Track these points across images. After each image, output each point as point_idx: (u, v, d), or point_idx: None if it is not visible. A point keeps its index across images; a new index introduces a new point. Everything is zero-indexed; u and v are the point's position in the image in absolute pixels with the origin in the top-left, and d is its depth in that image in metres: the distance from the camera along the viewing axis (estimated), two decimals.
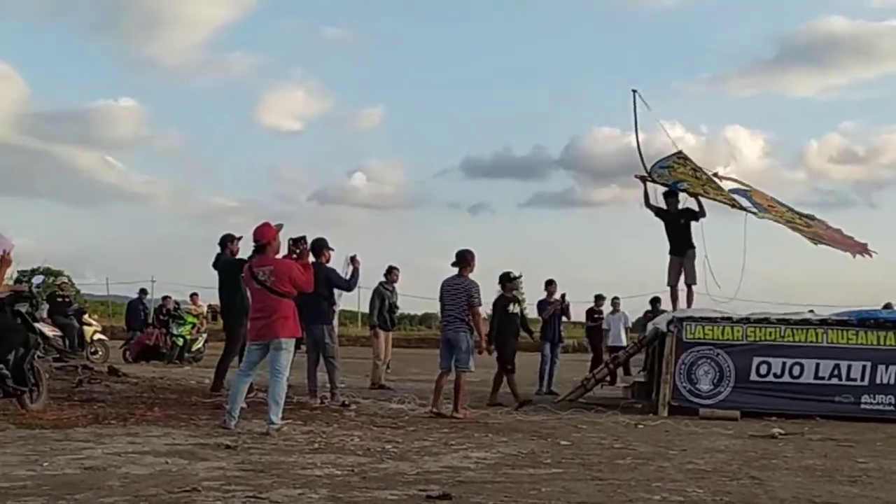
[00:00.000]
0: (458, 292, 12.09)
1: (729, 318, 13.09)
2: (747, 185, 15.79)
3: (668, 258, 14.77)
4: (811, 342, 12.88)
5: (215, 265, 12.95)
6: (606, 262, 65.73)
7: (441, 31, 79.51)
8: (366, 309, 36.46)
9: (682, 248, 14.69)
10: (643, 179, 15.07)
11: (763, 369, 12.85)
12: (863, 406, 12.68)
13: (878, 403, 12.70)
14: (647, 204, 15.03)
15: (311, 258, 11.65)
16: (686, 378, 12.91)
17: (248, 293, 10.47)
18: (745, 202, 14.85)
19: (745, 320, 13.08)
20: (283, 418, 9.63)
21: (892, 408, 12.62)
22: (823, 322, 13.08)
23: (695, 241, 14.66)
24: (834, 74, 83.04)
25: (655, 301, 19.68)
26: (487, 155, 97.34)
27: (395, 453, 8.37)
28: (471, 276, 12.17)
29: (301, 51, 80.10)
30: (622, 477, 7.38)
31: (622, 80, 75.70)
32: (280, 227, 10.06)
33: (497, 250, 64.82)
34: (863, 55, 73.59)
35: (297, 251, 10.42)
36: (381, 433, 9.83)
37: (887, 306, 15.89)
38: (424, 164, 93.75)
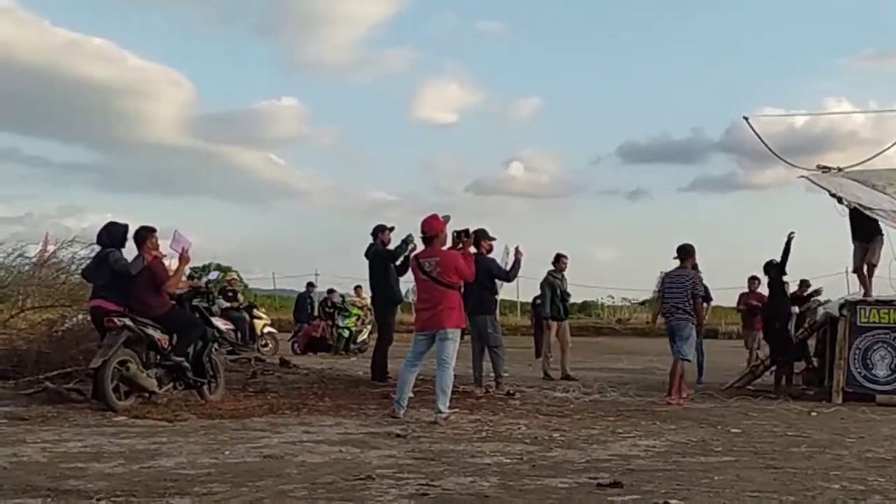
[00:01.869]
0: (683, 284, 12.55)
1: None
2: None
3: (847, 242, 13.95)
4: None
5: (367, 254, 13.31)
6: (774, 244, 63.77)
7: (593, 18, 78.64)
8: (526, 298, 36.90)
9: (869, 234, 13.60)
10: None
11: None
12: None
13: None
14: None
15: (473, 249, 11.79)
16: (861, 363, 12.47)
17: (413, 285, 10.66)
18: None
19: None
20: (450, 407, 9.75)
21: None
22: None
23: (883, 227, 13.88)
24: None
25: (804, 284, 18.92)
26: (644, 140, 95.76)
27: (563, 441, 8.37)
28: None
29: (455, 44, 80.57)
30: (798, 465, 7.19)
31: (784, 58, 73.57)
32: (447, 218, 10.20)
33: (658, 236, 64.09)
34: None
35: (462, 243, 10.54)
36: (548, 421, 9.83)
37: None
38: (580, 151, 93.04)
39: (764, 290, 15.28)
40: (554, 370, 16.02)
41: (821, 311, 14.74)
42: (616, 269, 65.60)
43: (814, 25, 73.42)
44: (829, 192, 13.11)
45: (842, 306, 12.94)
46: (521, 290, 40.21)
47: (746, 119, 14.72)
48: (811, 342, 15.30)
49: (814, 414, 11.08)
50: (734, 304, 19.53)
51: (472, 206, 72.57)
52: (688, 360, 12.73)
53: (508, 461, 7.18)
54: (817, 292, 16.06)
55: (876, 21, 71.95)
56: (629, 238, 70.40)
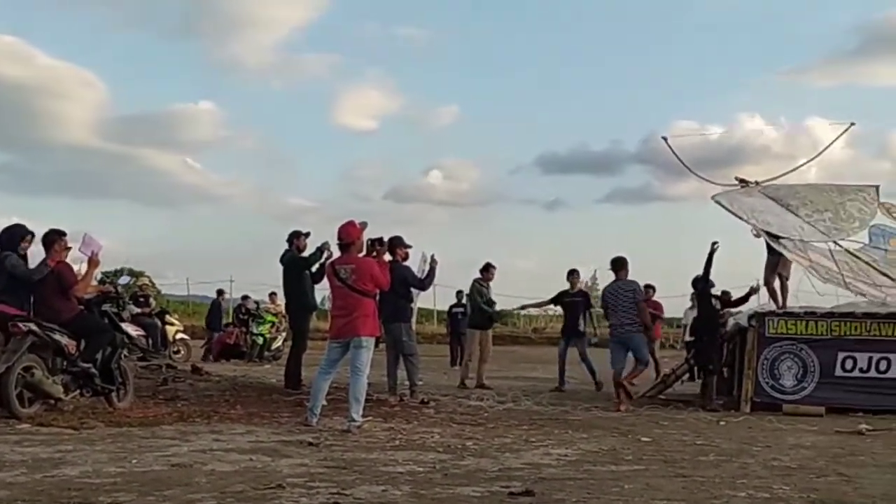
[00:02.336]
0: (626, 295, 13.10)
1: (813, 313, 12.83)
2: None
3: (755, 255, 14.15)
4: None
5: (281, 260, 13.22)
6: (689, 256, 64.91)
7: (514, 28, 79.41)
8: (442, 307, 36.90)
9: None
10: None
11: (848, 364, 12.58)
12: None
13: None
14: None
15: (388, 256, 11.78)
16: (769, 373, 12.72)
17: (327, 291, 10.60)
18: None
19: (830, 314, 12.81)
20: (363, 415, 9.70)
21: None
22: None
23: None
24: None
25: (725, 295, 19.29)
26: (563, 150, 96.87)
27: (476, 450, 8.37)
28: None
29: (376, 51, 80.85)
30: (706, 473, 7.29)
31: (699, 73, 75.02)
32: (364, 225, 10.16)
33: (575, 246, 64.77)
34: None
35: (376, 251, 10.51)
36: (461, 430, 9.84)
37: None
38: (500, 160, 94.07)
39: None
40: (469, 379, 16.07)
41: (731, 321, 14.99)
42: (533, 278, 66.10)
43: (729, 41, 75.30)
44: (739, 217, 13.26)
45: (751, 317, 13.19)
46: (438, 298, 40.25)
47: (665, 139, 14.85)
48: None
49: (722, 423, 11.25)
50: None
51: (391, 213, 72.83)
52: (645, 363, 13.44)
53: (421, 470, 7.16)
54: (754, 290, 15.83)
55: (789, 38, 73.91)
56: (547, 248, 71.17)
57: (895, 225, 14.12)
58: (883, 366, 12.52)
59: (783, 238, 12.97)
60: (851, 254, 13.16)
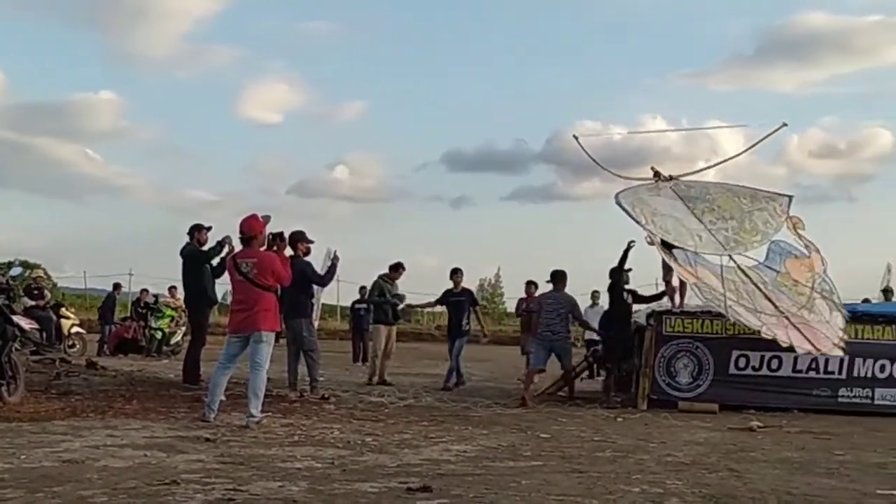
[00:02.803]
0: (558, 308, 13.60)
1: (708, 312, 13.10)
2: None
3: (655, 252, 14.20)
4: None
5: (181, 253, 13.03)
6: (591, 255, 65.81)
7: (422, 25, 79.45)
8: (346, 303, 36.77)
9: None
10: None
11: (742, 362, 12.90)
12: (840, 399, 12.76)
13: (854, 396, 12.80)
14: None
15: (289, 251, 11.69)
16: (665, 371, 12.96)
17: (229, 285, 10.46)
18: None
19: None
20: (262, 411, 9.59)
21: (868, 401, 12.72)
22: None
23: None
24: (814, 69, 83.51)
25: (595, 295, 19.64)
26: (469, 148, 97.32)
27: (375, 446, 8.35)
28: None
29: (282, 44, 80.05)
30: (602, 469, 7.39)
31: (603, 74, 76.07)
32: (267, 219, 10.05)
33: (480, 244, 65.13)
34: (842, 50, 74.18)
35: (277, 246, 10.42)
36: (361, 426, 9.81)
37: (865, 301, 15.98)
38: (406, 157, 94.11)
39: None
40: (374, 375, 15.98)
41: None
42: (437, 275, 66.37)
43: (632, 42, 76.46)
44: (636, 220, 13.13)
45: (649, 316, 13.43)
46: (342, 294, 40.15)
47: (576, 137, 14.88)
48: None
49: (620, 420, 11.43)
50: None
51: (296, 208, 72.28)
52: (569, 370, 14.04)
53: (319, 466, 7.11)
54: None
55: (689, 41, 75.40)
56: (451, 245, 71.39)
57: (795, 244, 13.95)
58: (774, 364, 12.87)
59: (676, 248, 12.93)
60: (743, 271, 13.18)
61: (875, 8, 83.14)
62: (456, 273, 16.37)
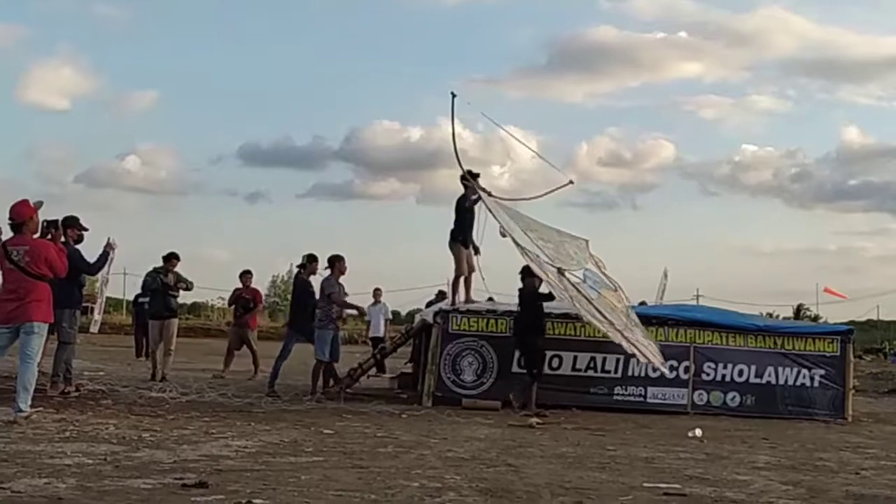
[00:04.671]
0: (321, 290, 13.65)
1: (493, 311, 13.40)
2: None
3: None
4: (570, 335, 13.37)
5: None
6: (385, 254, 66.29)
7: (219, 15, 77.76)
8: (131, 296, 35.63)
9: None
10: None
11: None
12: (615, 397, 13.29)
13: (629, 395, 13.36)
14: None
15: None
16: (451, 369, 13.16)
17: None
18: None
19: (509, 313, 13.41)
20: (33, 406, 9.16)
21: (641, 399, 13.30)
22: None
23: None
24: (602, 81, 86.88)
25: (441, 295, 19.93)
26: (266, 143, 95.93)
27: (152, 442, 8.13)
28: None
29: (69, 26, 76.45)
30: (383, 465, 7.43)
31: (402, 74, 76.68)
32: (39, 204, 9.57)
33: (274, 240, 64.38)
34: (629, 64, 77.44)
35: (51, 234, 9.96)
36: (139, 422, 9.52)
37: (642, 304, 16.66)
38: (201, 149, 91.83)
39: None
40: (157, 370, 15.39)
41: (418, 317, 15.38)
42: (229, 270, 65.16)
43: (430, 44, 77.27)
44: (493, 215, 13.19)
45: (436, 314, 13.60)
46: (128, 287, 38.93)
47: (454, 95, 13.94)
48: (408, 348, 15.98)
49: (404, 416, 11.52)
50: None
51: (83, 197, 69.33)
52: (324, 361, 13.59)
53: (90, 462, 6.85)
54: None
55: (485, 47, 77.01)
56: (244, 240, 70.27)
57: (605, 278, 14.39)
58: (555, 363, 13.28)
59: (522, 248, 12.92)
60: (573, 286, 13.45)
61: (659, 25, 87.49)
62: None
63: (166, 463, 7.01)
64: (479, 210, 13.56)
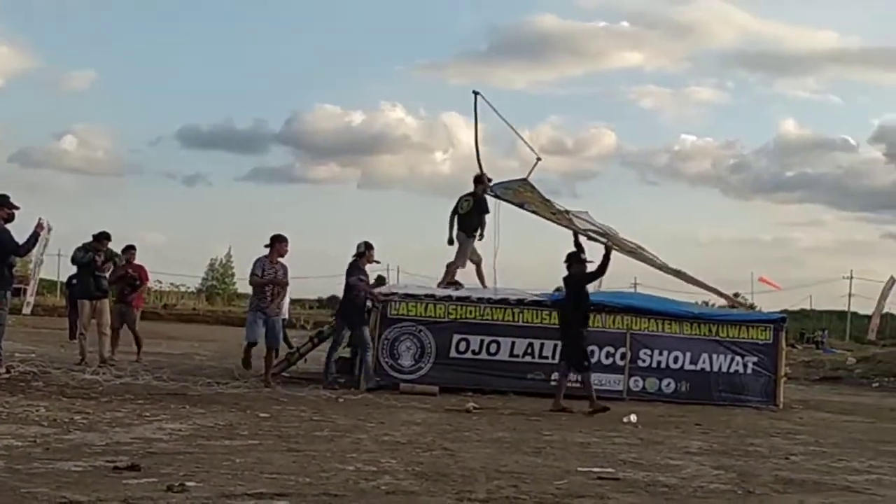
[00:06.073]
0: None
1: (432, 296, 13.42)
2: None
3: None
4: (508, 321, 13.45)
5: None
6: (324, 238, 66.04)
7: None
8: (64, 278, 35.03)
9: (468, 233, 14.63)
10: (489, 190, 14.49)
11: (462, 346, 13.30)
12: (552, 383, 13.33)
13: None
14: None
15: None
16: (388, 354, 13.16)
17: None
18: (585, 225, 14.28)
19: (448, 298, 13.46)
20: None
21: (577, 384, 13.37)
22: (520, 302, 13.66)
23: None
24: (545, 69, 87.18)
25: (381, 280, 19.88)
26: (206, 126, 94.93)
27: (84, 424, 8.02)
28: None
29: (6, 3, 74.71)
30: (318, 448, 7.40)
31: (344, 59, 76.23)
32: None
33: (213, 223, 63.74)
34: (572, 53, 77.73)
35: None
36: (71, 404, 9.39)
37: (557, 290, 16.57)
38: (139, 131, 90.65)
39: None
40: (90, 352, 14.99)
41: None
42: (166, 253, 64.55)
43: (373, 28, 76.90)
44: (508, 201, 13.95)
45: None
46: (62, 269, 38.32)
47: (477, 93, 14.53)
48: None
49: (341, 400, 11.51)
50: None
51: (17, 177, 68.12)
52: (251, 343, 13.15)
53: (20, 444, 6.74)
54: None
55: (427, 33, 76.84)
56: (182, 223, 69.57)
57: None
58: (493, 348, 13.36)
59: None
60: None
61: (601, 14, 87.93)
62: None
63: (98, 445, 6.92)
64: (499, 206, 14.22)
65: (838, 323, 54.43)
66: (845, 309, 55.92)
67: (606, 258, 12.10)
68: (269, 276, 12.95)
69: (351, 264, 13.42)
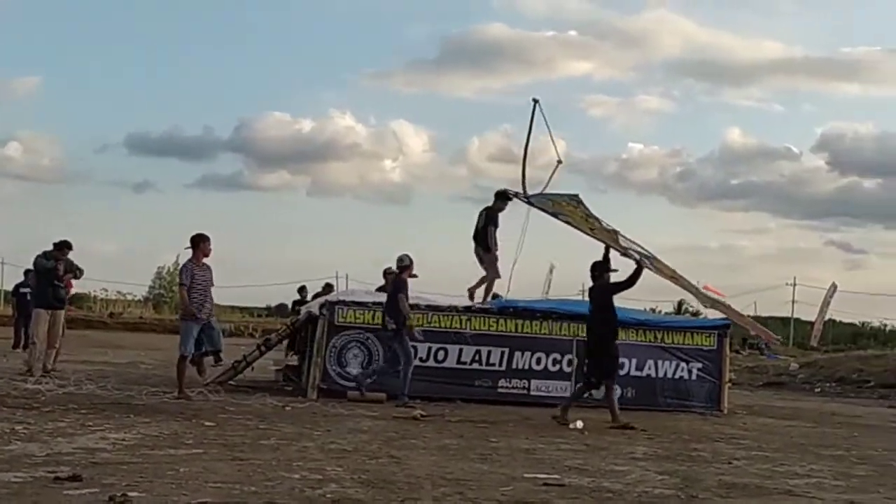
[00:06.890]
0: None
1: (379, 304, 13.40)
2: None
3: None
4: (455, 328, 13.47)
5: None
6: (273, 246, 65.62)
7: (107, 1, 75.72)
8: (9, 286, 34.52)
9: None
10: (517, 196, 14.05)
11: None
12: (499, 390, 13.44)
13: (513, 387, 13.52)
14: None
15: None
16: (336, 361, 13.12)
17: None
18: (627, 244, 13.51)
19: None
20: None
21: (525, 391, 13.48)
22: (468, 309, 13.70)
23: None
24: (492, 78, 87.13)
25: (328, 287, 19.85)
26: (154, 132, 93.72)
27: (25, 434, 7.93)
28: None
29: None
30: (264, 457, 7.37)
31: (294, 66, 75.79)
32: None
33: (161, 231, 63.01)
34: (520, 61, 77.77)
35: None
36: (12, 414, 9.26)
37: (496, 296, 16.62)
38: (85, 138, 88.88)
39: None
40: (37, 363, 14.66)
41: (303, 310, 15.28)
42: (113, 262, 63.53)
43: (322, 36, 76.39)
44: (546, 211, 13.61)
45: (322, 306, 13.54)
46: (7, 278, 37.81)
47: (536, 101, 13.97)
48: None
49: (288, 408, 11.45)
50: None
51: None
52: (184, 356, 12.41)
53: None
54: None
55: (376, 41, 76.63)
56: (130, 231, 68.64)
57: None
58: (441, 356, 13.37)
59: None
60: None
61: (550, 24, 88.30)
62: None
63: (39, 456, 6.84)
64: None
65: (782, 329, 55.18)
66: (789, 315, 56.65)
67: (637, 272, 11.78)
68: (200, 282, 12.37)
69: (396, 279, 13.13)
